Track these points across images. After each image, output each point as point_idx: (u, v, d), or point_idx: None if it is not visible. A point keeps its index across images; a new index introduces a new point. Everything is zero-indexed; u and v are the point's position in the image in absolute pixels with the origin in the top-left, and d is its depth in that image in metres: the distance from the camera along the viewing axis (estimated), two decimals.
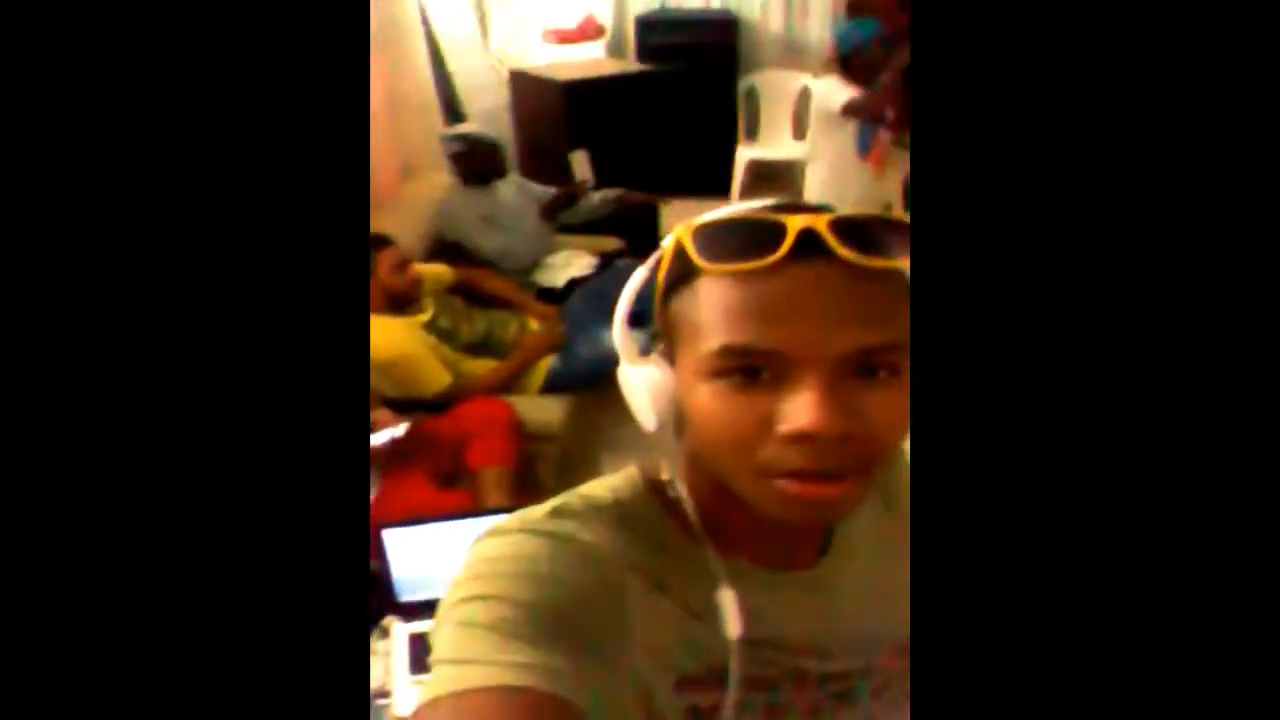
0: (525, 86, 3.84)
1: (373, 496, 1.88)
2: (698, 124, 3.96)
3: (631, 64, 4.05)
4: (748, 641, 0.52)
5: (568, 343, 2.38)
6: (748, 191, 4.14)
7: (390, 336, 2.10)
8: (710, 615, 0.52)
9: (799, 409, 0.42)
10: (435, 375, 2.15)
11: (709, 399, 0.45)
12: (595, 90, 3.64)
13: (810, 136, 3.05)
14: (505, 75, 3.92)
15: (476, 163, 2.79)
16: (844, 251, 0.43)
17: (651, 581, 0.51)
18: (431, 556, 1.39)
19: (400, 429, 1.90)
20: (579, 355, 2.35)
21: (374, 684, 1.30)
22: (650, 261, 0.52)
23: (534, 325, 2.48)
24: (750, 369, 0.44)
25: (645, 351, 0.54)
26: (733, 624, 0.51)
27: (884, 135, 2.78)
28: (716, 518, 0.53)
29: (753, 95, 4.31)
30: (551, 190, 2.92)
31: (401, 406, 2.05)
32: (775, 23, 4.31)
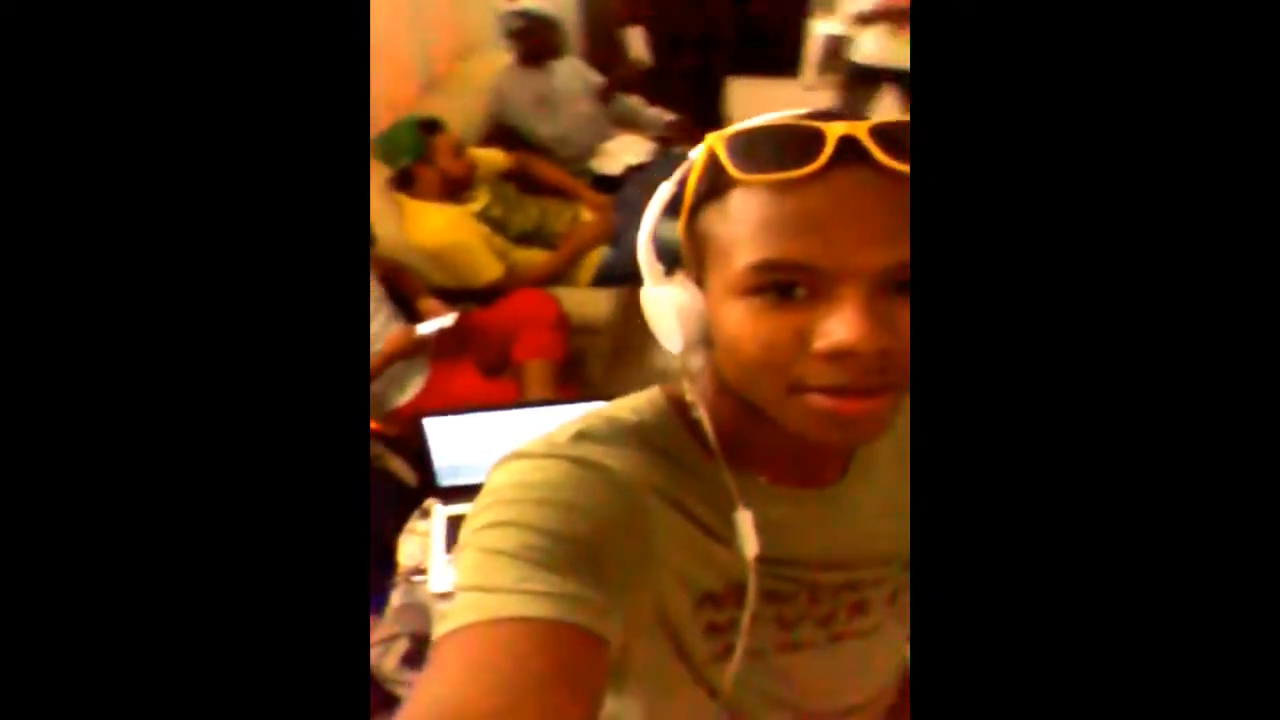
0: None
1: (421, 383, 1.92)
2: None
3: None
4: (766, 560, 0.52)
5: (620, 234, 2.33)
6: (824, 69, 3.92)
7: (442, 224, 2.09)
8: (730, 535, 0.52)
9: (838, 324, 0.41)
10: (487, 265, 2.14)
11: (741, 317, 0.44)
12: None
13: None
14: None
15: (534, 41, 2.69)
16: (885, 159, 0.41)
17: (673, 502, 0.51)
18: (472, 444, 1.44)
19: (449, 319, 1.91)
20: (631, 247, 2.30)
21: (412, 562, 1.39)
22: (677, 175, 0.49)
23: (587, 215, 2.43)
24: (785, 285, 0.43)
25: (669, 272, 0.52)
26: (750, 545, 0.52)
27: None
28: (739, 438, 0.53)
29: None
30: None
31: (451, 296, 2.06)
32: None
